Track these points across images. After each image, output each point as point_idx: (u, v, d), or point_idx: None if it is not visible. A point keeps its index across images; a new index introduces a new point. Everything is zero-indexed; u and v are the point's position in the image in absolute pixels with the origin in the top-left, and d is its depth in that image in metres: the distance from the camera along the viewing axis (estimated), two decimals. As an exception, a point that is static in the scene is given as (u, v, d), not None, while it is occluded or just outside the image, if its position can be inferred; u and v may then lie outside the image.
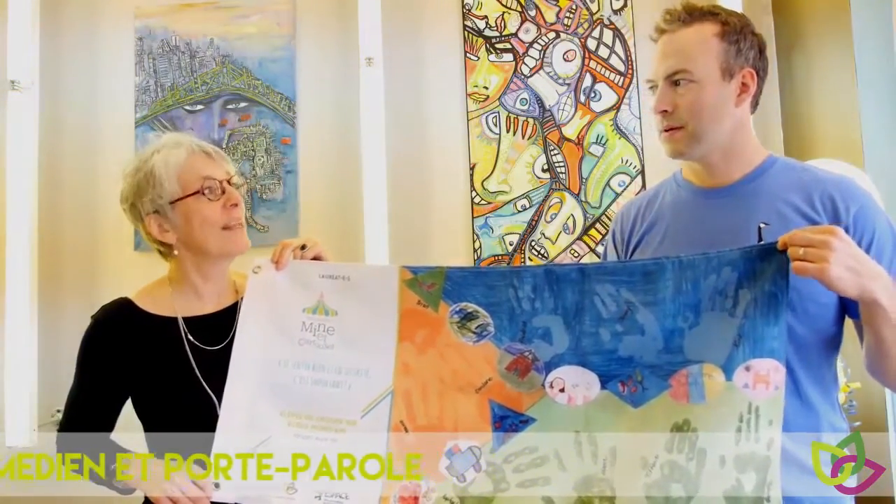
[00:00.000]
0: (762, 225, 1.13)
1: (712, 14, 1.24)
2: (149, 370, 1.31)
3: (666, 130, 1.25)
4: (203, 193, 1.30)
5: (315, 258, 1.33)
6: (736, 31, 1.23)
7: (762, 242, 1.13)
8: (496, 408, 1.21)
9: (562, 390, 1.19)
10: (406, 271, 1.27)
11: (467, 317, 1.24)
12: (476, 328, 1.23)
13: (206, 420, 1.25)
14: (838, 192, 1.17)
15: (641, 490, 1.13)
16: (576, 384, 1.19)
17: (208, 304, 1.37)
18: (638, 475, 1.13)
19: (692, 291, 1.15)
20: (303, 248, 1.32)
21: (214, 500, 1.21)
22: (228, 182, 1.33)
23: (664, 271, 1.16)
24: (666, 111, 1.24)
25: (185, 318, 1.34)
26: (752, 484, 1.09)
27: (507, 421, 1.20)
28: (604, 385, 1.18)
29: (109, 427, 1.35)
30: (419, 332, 1.25)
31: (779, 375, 1.11)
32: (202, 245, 1.32)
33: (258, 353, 1.27)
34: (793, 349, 1.13)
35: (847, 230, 1.11)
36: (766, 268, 1.11)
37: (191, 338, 1.32)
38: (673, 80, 1.23)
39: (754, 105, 1.27)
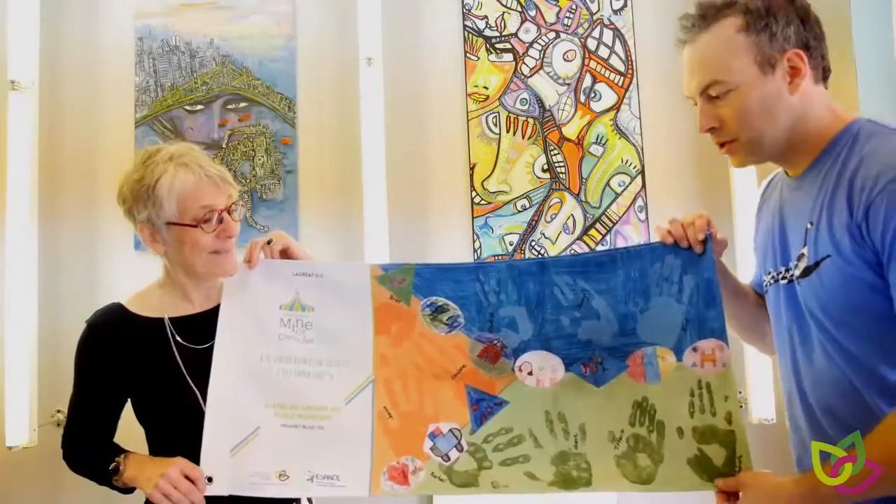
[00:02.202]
0: (808, 226, 1.10)
1: (729, 5, 1.11)
2: (140, 371, 1.33)
3: (721, 146, 1.16)
4: (200, 226, 1.30)
5: (284, 250, 1.36)
6: (762, 15, 1.09)
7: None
8: (472, 391, 1.31)
9: (530, 373, 1.30)
10: (377, 268, 1.35)
11: (438, 309, 1.33)
12: (447, 320, 1.32)
13: (192, 417, 1.28)
14: (864, 174, 1.02)
15: (613, 461, 1.25)
16: (542, 367, 1.30)
17: (197, 305, 1.39)
18: (608, 448, 1.25)
19: (640, 278, 1.27)
20: (269, 242, 1.35)
21: (208, 493, 1.22)
22: (229, 209, 1.33)
23: (614, 261, 1.29)
24: (714, 128, 1.13)
25: (173, 319, 1.36)
26: (721, 458, 1.20)
27: (483, 403, 1.30)
28: (568, 368, 1.29)
29: (111, 428, 1.37)
30: (394, 326, 1.33)
31: (724, 354, 1.23)
32: (189, 265, 1.34)
33: (239, 350, 1.31)
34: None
35: (859, 229, 1.01)
36: (701, 256, 1.24)
37: (178, 338, 1.34)
38: (708, 94, 1.12)
39: (825, 77, 1.14)
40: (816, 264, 1.07)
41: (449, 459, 1.27)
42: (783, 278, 1.17)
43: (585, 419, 1.27)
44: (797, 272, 1.11)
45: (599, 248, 2.35)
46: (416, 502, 2.30)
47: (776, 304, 1.20)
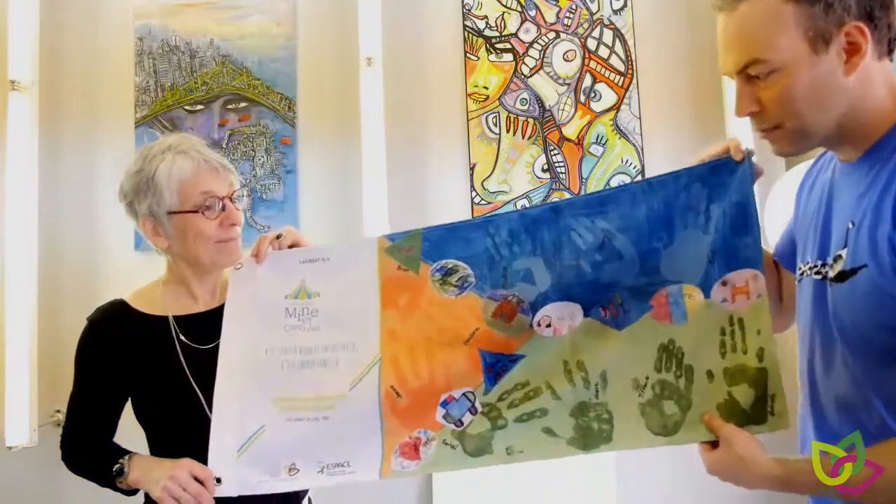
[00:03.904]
0: (850, 226, 0.97)
1: None
2: (142, 370, 1.31)
3: (761, 131, 1.01)
4: (202, 213, 1.28)
5: (293, 245, 1.34)
6: None
7: (716, 160, 1.13)
8: (486, 356, 1.23)
9: (548, 326, 1.21)
10: (384, 240, 1.29)
11: (448, 272, 1.25)
12: (457, 281, 1.24)
13: (194, 418, 1.26)
14: None
15: (636, 409, 1.15)
16: (561, 317, 1.20)
17: (201, 303, 1.37)
18: (632, 396, 1.16)
19: (664, 210, 1.16)
20: (278, 237, 1.33)
21: (217, 495, 1.21)
22: (231, 197, 1.32)
23: (634, 196, 1.17)
24: (753, 112, 0.98)
25: (177, 317, 1.34)
26: (750, 399, 1.10)
27: (499, 364, 1.22)
28: (586, 312, 1.20)
29: (111, 427, 1.36)
30: (402, 297, 1.27)
31: (758, 283, 1.11)
32: (194, 257, 1.32)
33: (244, 347, 1.29)
34: None
35: None
36: (732, 179, 1.12)
37: (182, 337, 1.32)
38: (746, 74, 0.97)
39: (889, 50, 0.96)
40: (854, 271, 0.95)
41: (462, 424, 1.21)
42: (817, 273, 1.05)
43: (607, 366, 1.18)
44: (832, 273, 1.00)
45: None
46: (417, 493, 2.30)
47: (806, 297, 1.08)
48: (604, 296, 1.19)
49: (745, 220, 1.12)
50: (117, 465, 1.25)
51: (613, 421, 1.16)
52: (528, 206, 2.39)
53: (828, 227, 1.05)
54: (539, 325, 1.21)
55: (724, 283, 1.13)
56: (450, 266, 1.25)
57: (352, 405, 1.24)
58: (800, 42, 0.92)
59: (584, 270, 1.19)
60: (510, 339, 1.22)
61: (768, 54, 0.93)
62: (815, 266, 1.06)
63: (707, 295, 1.14)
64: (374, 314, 1.27)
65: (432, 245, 1.26)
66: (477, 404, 1.21)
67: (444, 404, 1.22)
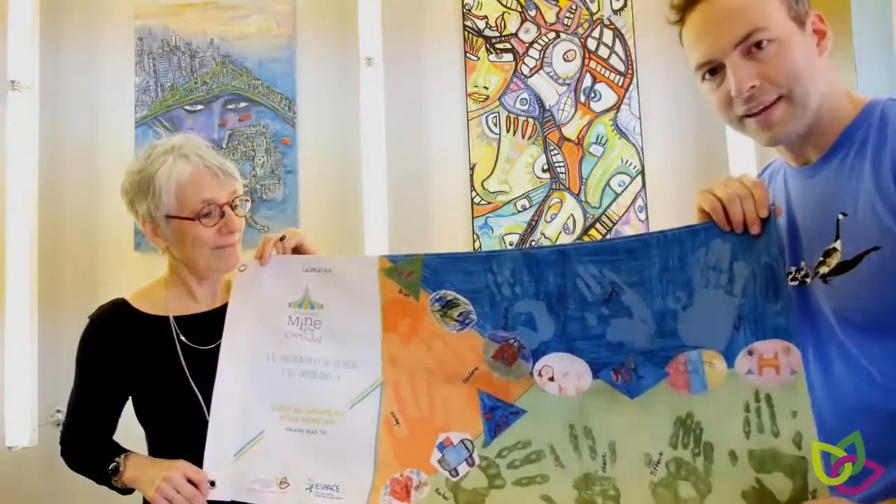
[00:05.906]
0: (840, 216, 0.97)
1: None
2: (142, 369, 1.31)
3: (758, 113, 0.99)
4: (199, 220, 1.28)
5: (297, 247, 1.32)
6: None
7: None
8: (485, 398, 1.17)
9: (551, 379, 1.14)
10: (385, 260, 1.25)
11: (448, 305, 1.20)
12: (458, 316, 1.20)
13: (192, 419, 1.26)
14: None
15: (647, 489, 1.06)
16: (566, 373, 1.14)
17: (202, 304, 1.37)
18: (643, 473, 1.07)
19: (680, 268, 1.07)
20: (282, 239, 1.31)
21: (210, 498, 1.21)
22: (231, 203, 1.31)
23: (648, 248, 1.09)
24: (755, 86, 0.97)
25: (178, 318, 1.34)
26: (786, 492, 0.99)
27: (498, 412, 1.17)
28: (596, 374, 1.12)
29: (111, 425, 1.36)
30: (402, 322, 1.23)
31: (791, 358, 1.01)
32: (191, 260, 1.32)
33: (247, 350, 1.27)
34: None
35: None
36: (758, 237, 1.03)
37: (182, 337, 1.32)
38: (747, 45, 0.97)
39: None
40: (858, 258, 0.95)
41: (457, 474, 1.15)
42: (793, 279, 1.06)
43: (616, 436, 1.09)
44: (824, 269, 1.00)
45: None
46: None
47: None
48: (614, 358, 1.11)
49: (775, 284, 1.02)
50: (112, 464, 1.26)
51: (620, 500, 1.07)
52: (527, 205, 2.39)
53: (795, 233, 1.05)
54: (540, 375, 1.15)
55: (751, 353, 1.03)
56: (450, 298, 1.20)
57: (351, 423, 1.22)
58: (787, 19, 0.98)
59: (590, 323, 1.12)
60: (510, 383, 1.17)
61: (768, 23, 0.97)
62: (790, 272, 1.05)
63: (730, 364, 1.05)
64: (376, 336, 1.24)
65: (432, 273, 1.21)
66: (475, 455, 1.16)
67: (441, 447, 1.17)
